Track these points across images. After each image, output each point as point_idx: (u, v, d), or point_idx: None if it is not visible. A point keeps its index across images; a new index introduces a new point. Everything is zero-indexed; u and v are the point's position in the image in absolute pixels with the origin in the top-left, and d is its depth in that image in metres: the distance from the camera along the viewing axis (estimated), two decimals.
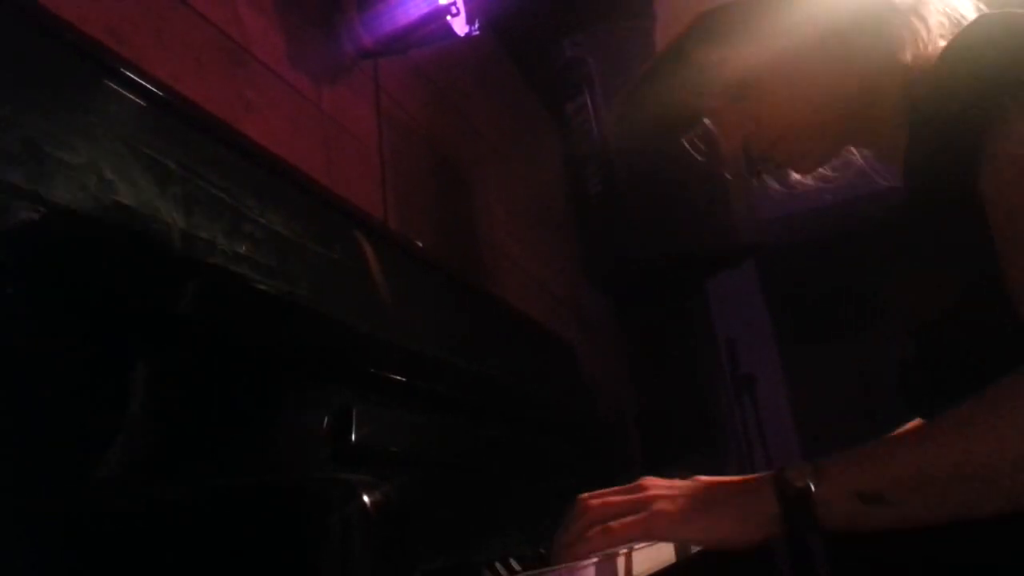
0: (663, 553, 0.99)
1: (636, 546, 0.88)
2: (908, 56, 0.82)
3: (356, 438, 0.81)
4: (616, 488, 0.77)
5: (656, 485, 0.75)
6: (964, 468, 0.62)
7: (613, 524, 0.72)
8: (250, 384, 0.77)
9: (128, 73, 0.83)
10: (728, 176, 2.09)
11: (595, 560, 0.75)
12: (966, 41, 0.75)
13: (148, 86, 0.85)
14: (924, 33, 0.82)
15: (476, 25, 1.83)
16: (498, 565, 0.72)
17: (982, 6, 0.85)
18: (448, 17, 1.74)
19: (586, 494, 0.78)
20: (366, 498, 0.53)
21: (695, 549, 1.05)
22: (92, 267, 0.68)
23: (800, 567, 3.35)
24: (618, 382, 3.39)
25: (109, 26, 1.07)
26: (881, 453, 0.67)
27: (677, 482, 0.76)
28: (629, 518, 0.72)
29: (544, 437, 1.38)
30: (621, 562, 0.83)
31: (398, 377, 0.97)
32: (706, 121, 0.96)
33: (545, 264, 2.84)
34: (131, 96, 0.83)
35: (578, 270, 3.00)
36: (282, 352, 0.83)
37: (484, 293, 1.73)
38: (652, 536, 0.73)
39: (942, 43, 0.81)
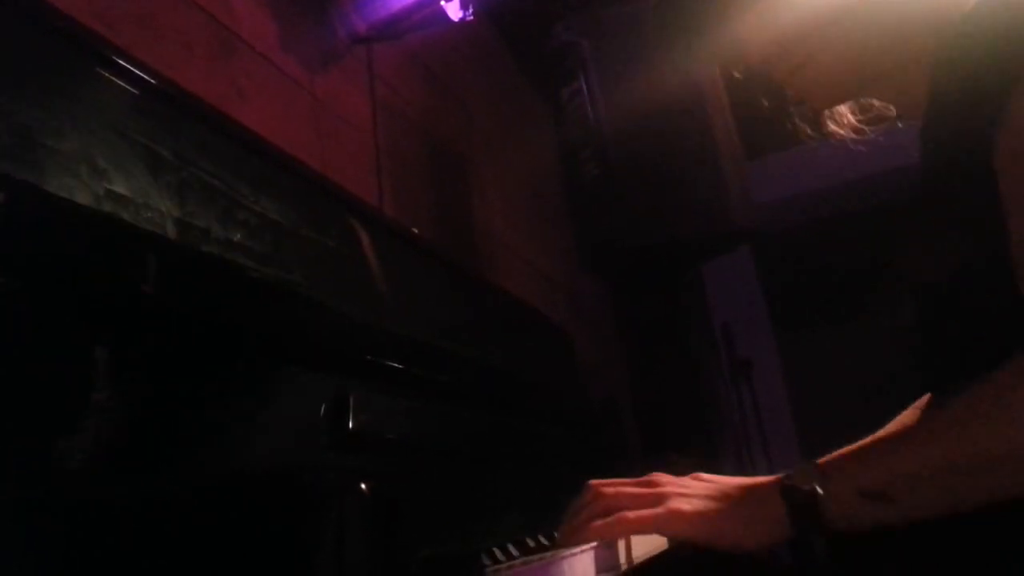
0: (657, 540, 1.00)
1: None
2: (940, 11, 0.78)
3: (353, 426, 0.81)
4: (627, 480, 0.78)
5: (668, 482, 0.77)
6: (963, 461, 0.62)
7: (629, 514, 0.74)
8: (247, 373, 0.77)
9: (119, 61, 0.82)
10: (725, 160, 2.08)
11: (594, 545, 0.76)
12: (987, 7, 0.71)
13: (139, 74, 0.84)
14: None
15: (470, 10, 1.82)
16: (497, 551, 0.72)
17: None
18: (442, 2, 1.73)
19: (597, 481, 0.79)
20: (363, 485, 0.53)
21: None
22: (85, 257, 0.68)
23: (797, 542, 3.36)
24: (614, 368, 3.39)
25: (99, 14, 1.06)
26: (883, 450, 0.67)
27: (687, 481, 0.77)
28: (645, 511, 0.74)
29: (540, 424, 1.38)
30: (621, 547, 0.84)
31: (394, 364, 0.97)
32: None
33: (541, 250, 2.84)
34: (123, 84, 0.82)
35: (574, 256, 3.00)
36: (279, 340, 0.83)
37: (480, 280, 1.73)
38: (664, 531, 0.75)
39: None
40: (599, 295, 3.40)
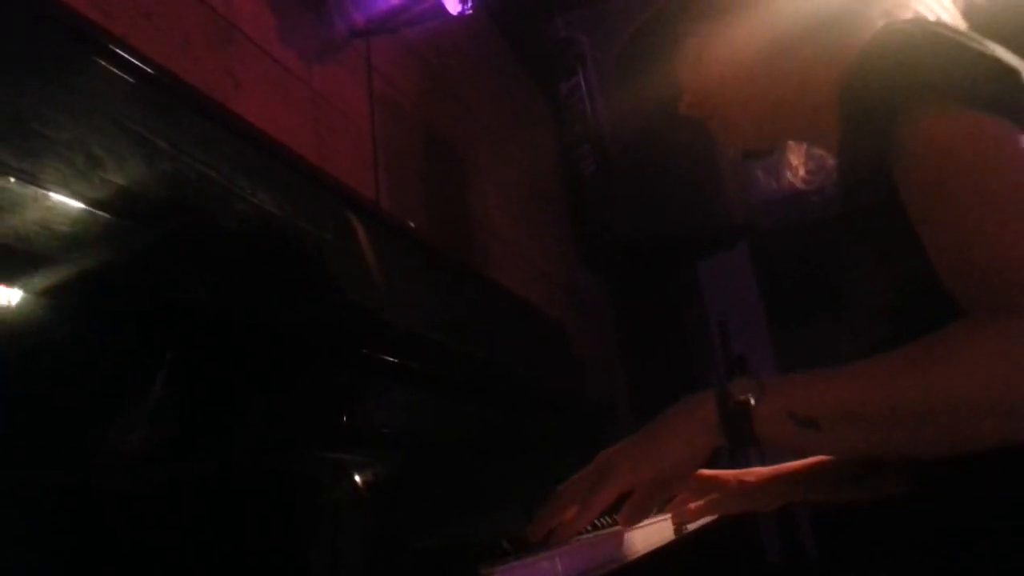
0: (663, 531, 1.01)
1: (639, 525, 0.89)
2: (839, 60, 0.84)
3: (348, 419, 0.81)
4: (578, 474, 0.79)
5: (609, 450, 0.78)
6: (893, 408, 0.63)
7: (589, 498, 0.74)
8: (242, 366, 0.77)
9: (116, 50, 0.82)
10: (722, 158, 2.08)
11: (591, 538, 0.77)
12: (875, 46, 0.77)
13: (136, 63, 0.83)
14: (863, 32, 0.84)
15: (469, 4, 1.82)
16: (492, 546, 0.72)
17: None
18: None
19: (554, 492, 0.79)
20: (358, 478, 0.53)
21: (690, 528, 1.06)
22: (97, 254, 0.68)
23: (787, 540, 3.38)
24: (611, 363, 3.40)
25: (97, 3, 1.06)
26: (819, 381, 0.68)
27: (629, 437, 0.78)
28: (595, 493, 0.73)
29: (536, 417, 1.38)
30: (622, 538, 0.85)
31: (390, 358, 0.97)
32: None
33: (538, 245, 2.83)
34: (119, 73, 0.81)
35: (571, 251, 3.00)
36: (274, 333, 0.82)
37: (477, 274, 1.72)
38: (621, 487, 0.74)
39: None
40: (597, 289, 3.40)
